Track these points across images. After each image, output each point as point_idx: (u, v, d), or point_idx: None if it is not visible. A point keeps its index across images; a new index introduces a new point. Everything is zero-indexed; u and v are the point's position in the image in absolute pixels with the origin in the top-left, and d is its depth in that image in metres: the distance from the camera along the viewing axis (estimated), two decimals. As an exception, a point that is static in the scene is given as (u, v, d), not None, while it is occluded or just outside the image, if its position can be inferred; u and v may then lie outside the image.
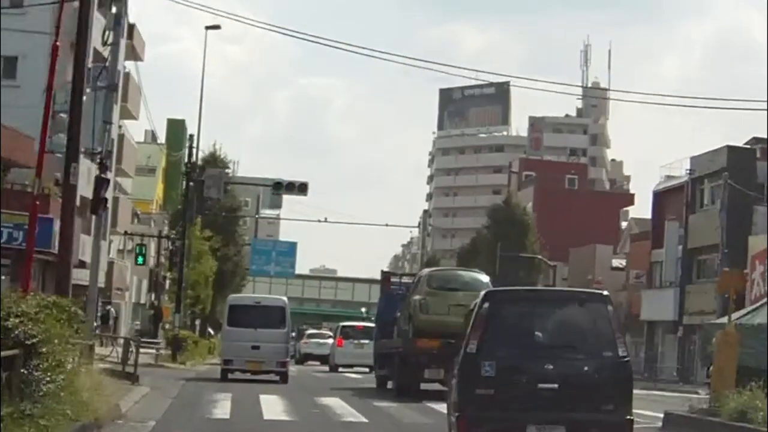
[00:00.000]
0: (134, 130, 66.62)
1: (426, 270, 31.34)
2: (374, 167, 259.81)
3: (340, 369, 44.85)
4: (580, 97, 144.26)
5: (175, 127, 76.50)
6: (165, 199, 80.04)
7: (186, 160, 43.97)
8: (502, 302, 13.13)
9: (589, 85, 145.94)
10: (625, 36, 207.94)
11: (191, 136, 45.50)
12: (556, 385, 12.42)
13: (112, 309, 55.22)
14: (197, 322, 62.42)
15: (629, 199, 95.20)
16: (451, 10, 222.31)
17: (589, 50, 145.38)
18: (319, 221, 47.69)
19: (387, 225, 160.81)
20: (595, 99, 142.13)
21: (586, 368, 12.59)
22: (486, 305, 12.75)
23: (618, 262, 72.69)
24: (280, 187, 40.78)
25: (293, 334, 75.86)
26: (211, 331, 69.86)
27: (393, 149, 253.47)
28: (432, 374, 26.26)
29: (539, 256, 65.84)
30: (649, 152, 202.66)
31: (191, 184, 42.44)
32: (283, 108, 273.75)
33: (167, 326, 53.16)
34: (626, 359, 12.82)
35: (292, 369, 36.13)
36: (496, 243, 64.76)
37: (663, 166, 66.59)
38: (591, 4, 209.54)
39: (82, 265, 42.63)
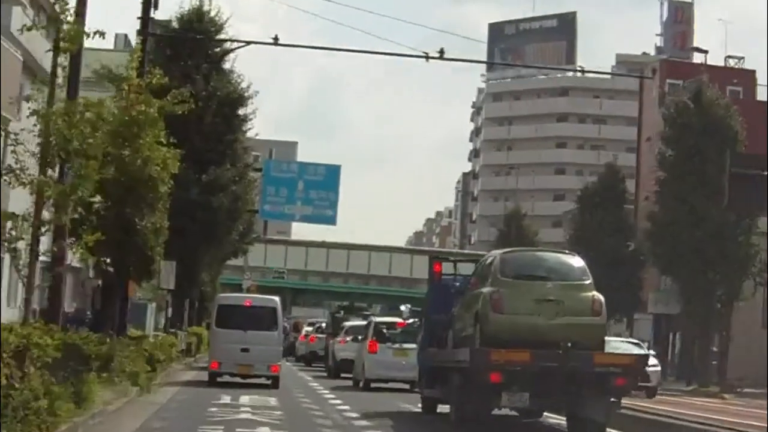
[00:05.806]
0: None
1: (496, 252, 20.99)
2: (391, 146, 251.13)
3: (373, 385, 32.43)
4: (659, 33, 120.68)
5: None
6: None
7: None
8: None
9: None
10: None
11: None
12: None
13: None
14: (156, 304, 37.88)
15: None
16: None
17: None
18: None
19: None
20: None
21: None
22: None
23: None
24: None
25: (323, 324, 51.29)
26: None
27: (411, 128, 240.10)
28: (513, 400, 18.43)
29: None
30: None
31: None
32: (300, 86, 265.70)
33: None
34: None
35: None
36: (687, 160, 40.27)
37: None
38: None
39: None
